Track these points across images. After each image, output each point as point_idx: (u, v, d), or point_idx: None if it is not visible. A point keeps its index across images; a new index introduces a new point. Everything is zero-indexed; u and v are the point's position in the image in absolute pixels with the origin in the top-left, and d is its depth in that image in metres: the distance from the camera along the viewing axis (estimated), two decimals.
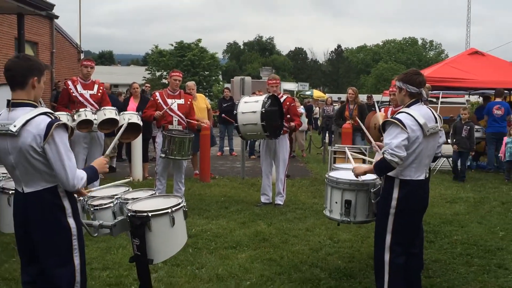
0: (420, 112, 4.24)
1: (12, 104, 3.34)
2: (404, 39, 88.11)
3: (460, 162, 11.32)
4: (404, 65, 68.96)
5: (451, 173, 11.62)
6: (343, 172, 5.18)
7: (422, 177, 4.30)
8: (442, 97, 14.66)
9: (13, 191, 4.57)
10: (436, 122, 4.35)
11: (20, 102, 3.34)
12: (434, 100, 15.80)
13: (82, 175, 3.38)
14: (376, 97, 21.21)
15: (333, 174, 5.15)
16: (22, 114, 3.27)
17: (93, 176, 3.53)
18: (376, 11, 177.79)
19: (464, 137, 11.30)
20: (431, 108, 4.48)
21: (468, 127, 11.33)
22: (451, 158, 11.74)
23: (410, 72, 4.47)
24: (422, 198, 4.40)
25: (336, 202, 4.94)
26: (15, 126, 3.22)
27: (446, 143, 11.67)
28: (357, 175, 4.62)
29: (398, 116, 4.21)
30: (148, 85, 17.26)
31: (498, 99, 12.84)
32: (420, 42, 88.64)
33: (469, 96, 20.43)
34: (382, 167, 4.20)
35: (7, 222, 4.81)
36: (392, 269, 4.35)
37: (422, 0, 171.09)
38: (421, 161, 4.24)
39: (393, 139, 4.10)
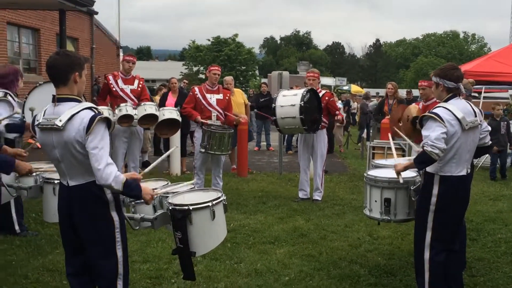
0: (458, 106, 4.20)
1: (57, 100, 3.40)
2: (445, 32, 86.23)
3: (501, 161, 11.04)
4: (445, 59, 67.56)
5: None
6: (382, 170, 5.14)
7: (463, 173, 4.25)
8: (484, 92, 14.34)
9: (58, 181, 4.74)
10: (476, 116, 4.28)
11: (65, 97, 3.41)
12: (476, 95, 15.47)
13: (117, 174, 3.30)
14: (416, 92, 20.83)
15: (372, 172, 5.10)
16: (67, 109, 3.33)
17: (134, 189, 3.42)
18: (415, 4, 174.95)
19: (504, 134, 11.07)
20: (470, 103, 4.41)
21: (505, 123, 11.16)
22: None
23: (447, 66, 4.42)
24: (463, 194, 4.35)
25: (375, 201, 4.90)
26: (60, 121, 3.28)
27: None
28: (397, 172, 4.52)
29: (436, 110, 4.18)
30: (186, 81, 17.40)
31: None
32: (461, 35, 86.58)
33: None
34: (423, 160, 4.15)
35: (52, 212, 4.94)
36: (432, 267, 4.32)
37: None
38: (461, 156, 4.19)
39: (431, 132, 4.07)
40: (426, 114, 4.25)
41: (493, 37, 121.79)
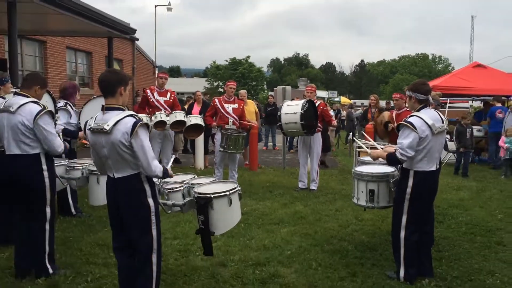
0: (428, 115, 4.20)
1: (105, 108, 3.41)
2: (417, 54, 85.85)
3: (465, 160, 10.82)
4: (417, 76, 67.08)
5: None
6: (367, 167, 5.12)
7: (433, 168, 4.24)
8: (449, 103, 14.28)
9: None
10: (443, 123, 4.30)
11: (111, 107, 3.42)
12: (442, 105, 15.41)
13: (160, 165, 3.44)
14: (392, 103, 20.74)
15: (359, 168, 5.08)
16: (113, 116, 3.34)
17: (165, 173, 3.55)
18: (394, 31, 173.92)
19: (468, 139, 10.91)
20: (438, 111, 4.41)
21: (470, 129, 11.04)
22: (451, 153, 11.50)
23: (418, 82, 4.46)
24: (433, 185, 4.34)
25: (362, 192, 4.87)
26: (108, 125, 3.30)
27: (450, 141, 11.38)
28: (373, 158, 4.67)
29: (409, 119, 4.18)
30: (208, 95, 17.40)
31: (498, 104, 12.49)
32: (430, 57, 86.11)
33: (472, 102, 19.82)
34: (393, 160, 4.26)
35: (96, 197, 5.00)
36: (407, 244, 4.30)
37: (433, 20, 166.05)
38: (431, 155, 4.19)
39: (404, 140, 4.11)
40: (401, 122, 4.25)
41: (456, 58, 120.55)
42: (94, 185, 4.94)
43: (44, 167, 4.24)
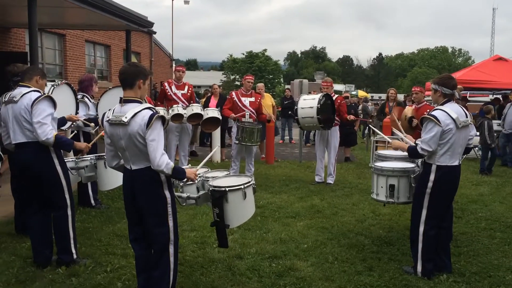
0: (452, 109, 4.14)
1: (123, 101, 3.44)
2: (436, 47, 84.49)
3: (493, 156, 10.20)
4: (436, 70, 66.28)
5: (477, 160, 11.06)
6: (386, 162, 5.08)
7: (456, 163, 4.19)
8: (469, 97, 14.06)
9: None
10: (467, 117, 4.23)
11: (130, 99, 3.44)
12: (468, 99, 15.11)
13: (169, 161, 3.34)
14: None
15: (378, 164, 5.05)
16: (131, 108, 3.37)
17: (180, 173, 3.47)
18: (412, 24, 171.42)
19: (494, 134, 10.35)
20: (461, 106, 4.34)
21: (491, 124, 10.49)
22: (476, 148, 11.19)
23: (445, 76, 4.37)
24: (455, 181, 4.29)
25: (381, 187, 4.84)
26: (126, 118, 3.32)
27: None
28: (395, 148, 4.64)
29: (434, 112, 4.13)
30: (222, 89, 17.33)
31: None
32: (450, 50, 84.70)
33: (492, 96, 19.48)
34: (414, 153, 4.24)
35: (105, 181, 5.09)
36: (425, 239, 4.26)
37: (452, 13, 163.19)
38: (454, 149, 4.13)
39: (427, 134, 4.07)
40: (425, 116, 4.20)
41: (476, 51, 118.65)
42: (102, 170, 5.06)
43: (53, 154, 4.27)
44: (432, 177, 4.15)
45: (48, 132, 4.10)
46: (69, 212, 4.37)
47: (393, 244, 5.19)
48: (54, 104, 4.26)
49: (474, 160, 11.40)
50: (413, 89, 7.55)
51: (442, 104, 4.19)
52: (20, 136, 4.25)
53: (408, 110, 7.14)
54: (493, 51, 67.51)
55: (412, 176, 4.64)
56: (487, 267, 4.60)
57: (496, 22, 75.08)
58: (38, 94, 4.21)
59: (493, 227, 5.93)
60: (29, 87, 4.29)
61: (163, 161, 3.30)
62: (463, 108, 4.31)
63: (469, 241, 5.37)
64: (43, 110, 4.14)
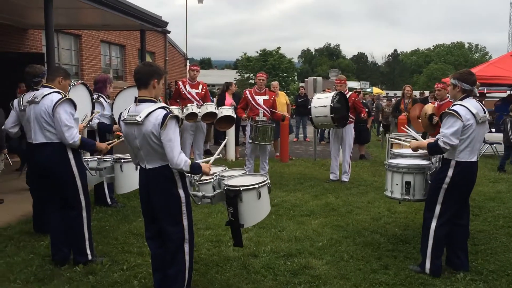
0: (472, 104, 4.12)
1: (138, 100, 3.47)
2: (452, 43, 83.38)
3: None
4: (452, 66, 65.45)
5: (494, 157, 10.89)
6: (401, 159, 5.05)
7: (474, 159, 4.17)
8: (486, 92, 13.86)
9: (124, 160, 4.86)
10: (485, 113, 4.21)
11: (144, 99, 3.47)
12: (491, 94, 14.90)
13: (186, 159, 3.38)
14: (427, 93, 20.29)
15: (393, 161, 5.01)
16: (145, 108, 3.39)
17: (197, 168, 3.50)
18: (427, 20, 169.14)
19: None
20: (479, 102, 4.30)
21: None
22: (494, 145, 10.99)
23: (465, 72, 4.33)
24: (472, 177, 4.25)
25: (396, 184, 4.81)
26: (140, 117, 3.35)
27: (490, 131, 10.94)
28: (413, 149, 4.57)
29: (454, 107, 4.10)
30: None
31: None
32: (466, 45, 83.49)
33: (511, 91, 19.17)
34: (435, 150, 4.17)
35: (121, 184, 5.13)
36: (436, 236, 4.23)
37: (468, 8, 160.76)
38: (474, 145, 4.11)
39: (448, 129, 4.02)
40: (445, 111, 4.16)
41: (493, 47, 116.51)
42: (119, 173, 5.09)
43: (71, 155, 4.32)
44: (450, 172, 4.12)
45: (75, 135, 4.24)
46: (84, 214, 4.41)
47: (409, 242, 5.15)
48: (74, 105, 4.34)
49: (491, 157, 11.25)
50: (435, 85, 7.43)
51: (461, 100, 4.17)
52: (40, 137, 4.32)
53: (429, 107, 7.04)
54: (510, 46, 66.38)
55: (428, 173, 4.60)
56: (505, 265, 4.54)
57: None
58: (59, 96, 4.26)
59: (511, 225, 5.84)
60: (51, 87, 4.36)
61: (181, 159, 3.34)
62: (481, 104, 4.28)
63: (486, 239, 5.31)
64: (67, 113, 4.23)
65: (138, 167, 3.65)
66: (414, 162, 4.84)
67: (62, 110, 4.20)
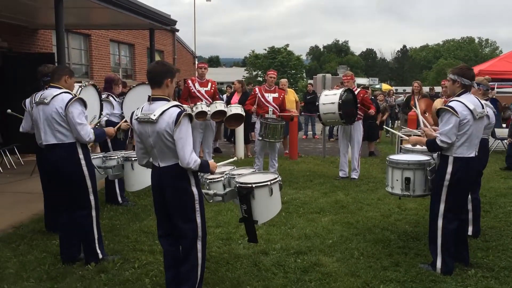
0: (469, 100, 4.11)
1: (152, 99, 3.49)
2: (462, 38, 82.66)
3: None
4: (463, 61, 64.85)
5: (504, 153, 10.78)
6: (402, 155, 5.04)
7: (472, 155, 4.14)
8: (497, 88, 13.74)
9: (135, 158, 4.88)
10: (483, 108, 4.19)
11: (158, 97, 3.49)
12: (491, 90, 14.75)
13: (196, 158, 3.40)
14: (437, 89, 20.15)
15: (393, 157, 5.01)
16: (159, 106, 3.42)
17: (205, 167, 3.53)
18: (436, 14, 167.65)
19: None
20: (477, 97, 4.29)
21: None
22: (505, 141, 10.86)
23: (464, 67, 4.32)
24: (471, 173, 4.23)
25: (397, 180, 4.79)
26: (154, 115, 3.38)
27: (501, 127, 10.87)
28: (413, 144, 4.65)
29: (450, 104, 4.09)
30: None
31: None
32: (476, 40, 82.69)
33: None
34: (433, 147, 4.20)
35: (132, 182, 5.18)
36: (444, 233, 4.21)
37: (479, 2, 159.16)
38: (472, 140, 4.09)
39: (444, 126, 4.04)
40: (442, 107, 4.16)
41: (504, 41, 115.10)
42: (129, 171, 5.14)
43: (81, 156, 4.36)
44: (449, 169, 4.10)
45: (89, 132, 4.35)
46: (93, 213, 4.45)
47: (420, 239, 5.14)
48: (85, 104, 4.39)
49: (502, 153, 11.15)
50: (442, 82, 7.45)
51: (458, 95, 4.15)
52: (50, 138, 4.36)
53: (438, 103, 7.02)
54: None
55: (428, 168, 4.58)
56: None
57: None
58: (69, 96, 4.31)
59: None
60: (59, 87, 4.40)
61: (192, 159, 3.36)
62: (479, 99, 4.26)
63: (497, 236, 5.28)
64: (80, 111, 4.30)
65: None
66: (414, 157, 4.81)
67: (74, 109, 4.26)
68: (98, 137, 4.61)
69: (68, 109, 4.24)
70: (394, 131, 6.77)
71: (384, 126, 10.37)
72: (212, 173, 3.75)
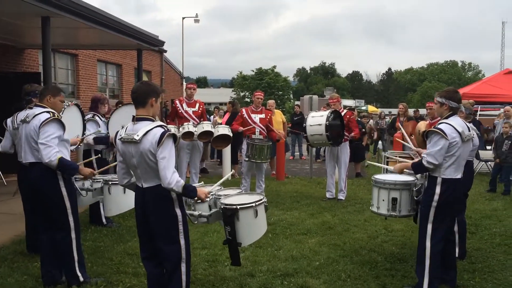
0: (457, 122, 4.16)
1: (136, 119, 3.47)
2: (445, 61, 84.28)
3: (504, 176, 9.56)
4: (446, 84, 65.98)
5: (488, 175, 10.88)
6: (387, 175, 5.06)
7: (459, 176, 4.17)
8: (480, 110, 13.98)
9: (113, 182, 4.78)
10: (470, 131, 4.24)
11: (142, 117, 3.47)
12: (474, 112, 15.03)
13: (179, 179, 3.32)
14: (422, 111, 20.43)
15: (379, 176, 5.01)
16: (143, 126, 3.39)
17: (191, 191, 3.47)
18: (421, 39, 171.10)
19: (505, 151, 9.50)
20: (463, 120, 4.35)
21: (510, 142, 9.52)
22: (489, 163, 10.98)
23: (451, 90, 4.38)
24: (458, 193, 4.25)
25: (383, 200, 4.80)
26: (137, 136, 3.35)
27: (484, 149, 11.00)
28: (399, 172, 4.59)
29: (440, 126, 4.13)
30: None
31: None
32: (460, 64, 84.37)
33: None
34: (420, 168, 4.21)
35: (108, 207, 5.04)
36: (432, 254, 4.19)
37: (462, 27, 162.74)
38: (459, 162, 4.13)
39: (433, 147, 4.05)
40: (431, 129, 4.18)
41: (486, 65, 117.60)
42: (106, 195, 4.99)
43: (59, 176, 4.23)
44: (438, 190, 4.11)
45: (51, 154, 4.08)
46: (73, 235, 4.31)
47: (407, 261, 5.12)
48: (63, 126, 4.27)
49: (487, 175, 11.26)
50: (427, 104, 7.54)
51: (446, 118, 4.19)
52: (29, 156, 4.32)
53: (422, 125, 7.11)
54: (503, 64, 67.29)
55: (414, 189, 4.59)
56: (503, 283, 4.51)
57: (506, 36, 74.76)
58: (47, 116, 4.22)
59: (508, 243, 5.83)
60: (43, 107, 4.35)
61: (173, 179, 3.29)
62: (465, 122, 4.32)
63: (483, 257, 5.28)
64: (50, 132, 4.15)
65: (126, 189, 3.61)
66: (400, 178, 4.83)
67: (45, 129, 4.15)
68: (65, 167, 4.18)
69: (40, 128, 4.16)
70: (377, 164, 6.61)
71: (368, 162, 10.50)
72: (201, 200, 3.69)
